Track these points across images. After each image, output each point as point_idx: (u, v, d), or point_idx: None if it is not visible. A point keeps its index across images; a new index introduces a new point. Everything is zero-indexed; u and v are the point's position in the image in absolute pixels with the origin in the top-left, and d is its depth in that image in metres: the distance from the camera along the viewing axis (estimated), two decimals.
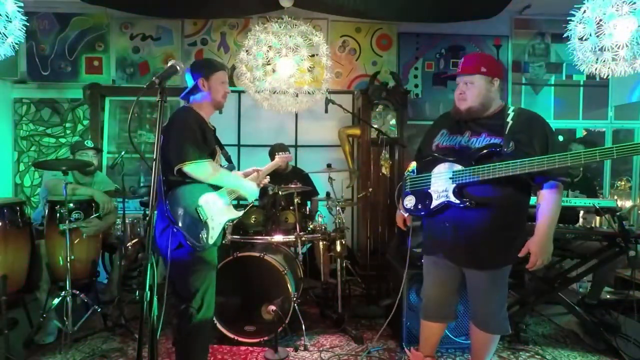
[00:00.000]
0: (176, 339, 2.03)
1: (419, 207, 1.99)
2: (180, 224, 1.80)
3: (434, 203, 1.93)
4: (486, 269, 1.89)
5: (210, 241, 1.91)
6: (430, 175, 1.98)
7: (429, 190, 1.97)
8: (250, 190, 2.10)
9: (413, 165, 2.15)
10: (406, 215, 2.16)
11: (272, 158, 2.64)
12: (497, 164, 1.75)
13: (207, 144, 1.93)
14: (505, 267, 1.90)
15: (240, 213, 2.16)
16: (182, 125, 1.89)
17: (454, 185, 1.87)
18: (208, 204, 1.93)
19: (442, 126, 2.07)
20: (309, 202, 3.66)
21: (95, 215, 2.83)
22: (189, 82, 2.00)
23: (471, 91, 1.89)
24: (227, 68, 2.09)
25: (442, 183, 1.92)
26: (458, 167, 1.88)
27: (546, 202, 1.81)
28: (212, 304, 1.97)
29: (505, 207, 1.83)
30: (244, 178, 2.17)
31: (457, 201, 1.85)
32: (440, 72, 4.76)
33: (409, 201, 2.04)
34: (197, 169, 1.84)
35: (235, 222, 3.06)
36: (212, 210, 1.94)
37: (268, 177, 2.40)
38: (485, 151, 1.82)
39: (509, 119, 1.84)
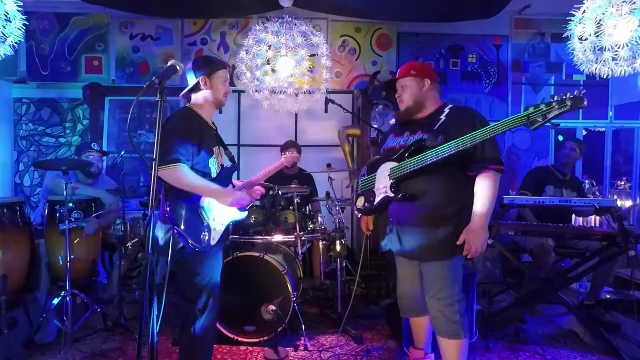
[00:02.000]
0: (180, 340, 2.02)
1: (366, 205, 2.11)
2: (182, 226, 1.79)
3: (377, 200, 2.05)
4: (431, 260, 1.96)
5: (213, 242, 1.90)
6: (375, 175, 2.10)
7: (374, 189, 2.09)
8: (225, 200, 1.92)
9: (364, 169, 2.26)
10: (359, 215, 2.33)
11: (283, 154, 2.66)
12: (422, 154, 1.86)
13: (202, 147, 1.88)
14: (452, 262, 1.93)
15: (245, 214, 2.14)
16: (169, 129, 1.82)
17: (392, 180, 1.98)
18: (211, 205, 1.92)
19: (390, 132, 2.25)
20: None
21: (94, 215, 2.83)
22: (191, 80, 1.97)
23: (406, 93, 2.06)
24: (229, 66, 2.07)
25: (383, 181, 2.04)
26: (394, 164, 2.00)
27: (479, 191, 1.88)
28: (217, 304, 1.96)
29: (443, 200, 1.91)
30: (224, 191, 1.97)
31: (393, 195, 1.96)
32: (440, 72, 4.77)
33: (360, 202, 2.16)
34: (166, 174, 1.76)
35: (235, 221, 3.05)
36: (214, 212, 1.93)
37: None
38: (413, 147, 1.93)
39: (442, 117, 1.98)
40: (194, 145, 1.84)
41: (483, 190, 1.88)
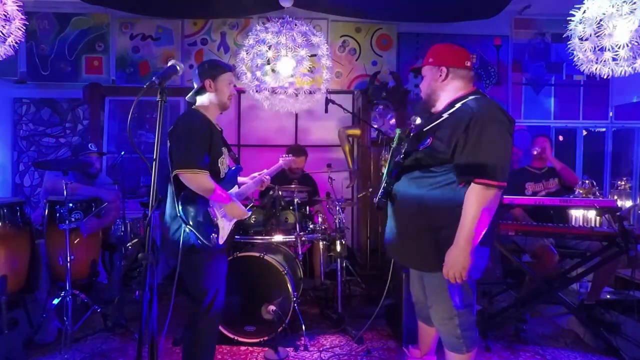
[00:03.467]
0: (184, 338, 2.05)
1: (375, 201, 2.05)
2: (191, 224, 1.83)
3: (377, 198, 1.98)
4: (420, 269, 1.92)
5: (221, 241, 1.94)
6: None
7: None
8: (235, 213, 2.02)
9: None
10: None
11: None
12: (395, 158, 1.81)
13: (212, 147, 1.92)
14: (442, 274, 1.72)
15: (249, 213, 2.18)
16: (185, 130, 1.89)
17: (384, 183, 1.92)
18: (218, 204, 1.95)
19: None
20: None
21: (93, 214, 2.82)
22: (196, 82, 2.00)
23: (423, 84, 1.91)
24: (234, 69, 2.09)
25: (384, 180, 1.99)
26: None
27: (463, 207, 1.65)
28: (222, 304, 1.99)
29: (431, 208, 1.73)
30: (235, 195, 2.09)
31: (380, 196, 1.91)
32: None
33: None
34: (190, 179, 1.83)
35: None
36: (222, 211, 1.97)
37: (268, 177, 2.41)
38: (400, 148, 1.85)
39: (446, 114, 1.75)
40: (207, 147, 1.90)
41: (464, 208, 1.64)
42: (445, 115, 1.76)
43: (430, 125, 1.78)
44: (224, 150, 2.06)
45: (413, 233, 1.81)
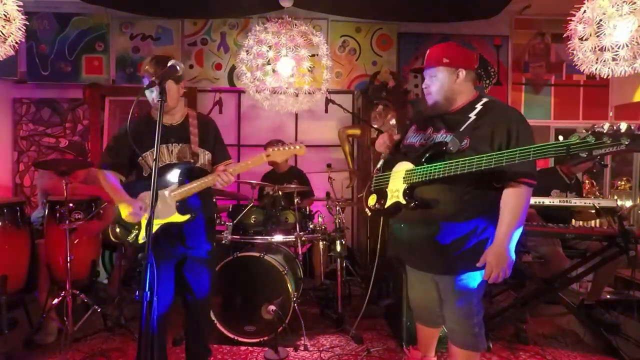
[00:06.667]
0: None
1: (377, 206, 1.93)
2: (116, 221, 1.96)
3: (387, 203, 1.87)
4: (441, 273, 1.82)
5: (141, 239, 1.92)
6: (390, 174, 1.90)
7: (387, 189, 1.90)
8: (124, 208, 1.94)
9: (381, 163, 2.07)
10: (369, 214, 2.05)
11: None
12: (442, 163, 1.64)
13: (136, 143, 1.90)
14: (467, 276, 1.75)
15: (184, 218, 1.92)
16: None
17: (405, 185, 1.78)
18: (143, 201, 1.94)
19: (414, 121, 2.02)
20: None
21: (94, 212, 2.82)
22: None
23: (434, 85, 1.80)
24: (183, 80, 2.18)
25: (396, 182, 1.84)
26: (411, 166, 1.79)
27: (505, 207, 1.66)
28: (164, 306, 1.98)
29: (461, 210, 1.71)
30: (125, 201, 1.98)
31: (404, 202, 1.77)
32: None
33: (371, 200, 1.98)
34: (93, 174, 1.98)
35: (235, 222, 3.06)
36: (144, 208, 1.90)
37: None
38: (431, 150, 1.73)
39: (472, 114, 1.72)
40: (121, 146, 2.03)
41: (510, 207, 1.64)
42: (472, 116, 1.72)
43: (464, 126, 1.71)
44: (163, 147, 2.01)
45: (444, 238, 1.73)
